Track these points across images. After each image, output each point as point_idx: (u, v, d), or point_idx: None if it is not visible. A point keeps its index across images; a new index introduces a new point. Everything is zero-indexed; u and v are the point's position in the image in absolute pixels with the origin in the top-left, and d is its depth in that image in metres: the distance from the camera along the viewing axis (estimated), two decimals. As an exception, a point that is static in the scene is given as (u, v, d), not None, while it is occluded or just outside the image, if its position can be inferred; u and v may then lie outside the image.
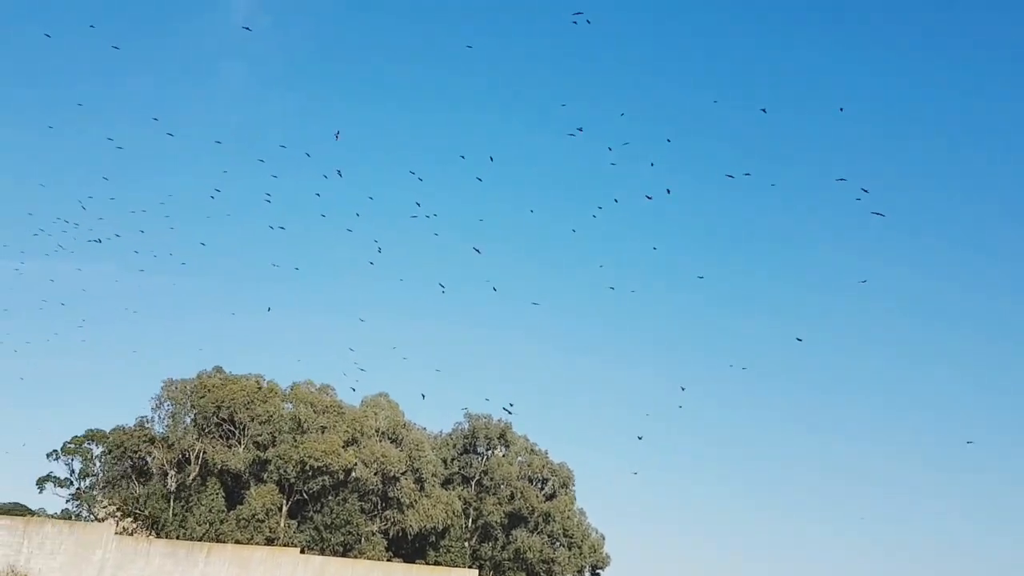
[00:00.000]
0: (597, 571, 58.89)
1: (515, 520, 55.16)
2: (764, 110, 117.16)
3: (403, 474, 49.72)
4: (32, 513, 51.53)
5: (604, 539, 57.80)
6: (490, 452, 56.99)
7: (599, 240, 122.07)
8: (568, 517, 56.06)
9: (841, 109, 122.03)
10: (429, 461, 51.92)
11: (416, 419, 55.45)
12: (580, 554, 55.75)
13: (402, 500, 49.70)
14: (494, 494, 54.96)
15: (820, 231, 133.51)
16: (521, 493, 54.84)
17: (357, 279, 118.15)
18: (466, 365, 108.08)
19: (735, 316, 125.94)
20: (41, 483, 52.92)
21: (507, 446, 57.15)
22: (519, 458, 57.01)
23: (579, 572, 57.21)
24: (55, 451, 53.10)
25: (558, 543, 55.69)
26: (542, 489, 56.72)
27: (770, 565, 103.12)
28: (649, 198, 59.90)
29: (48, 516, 49.99)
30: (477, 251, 56.57)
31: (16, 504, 53.93)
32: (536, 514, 54.62)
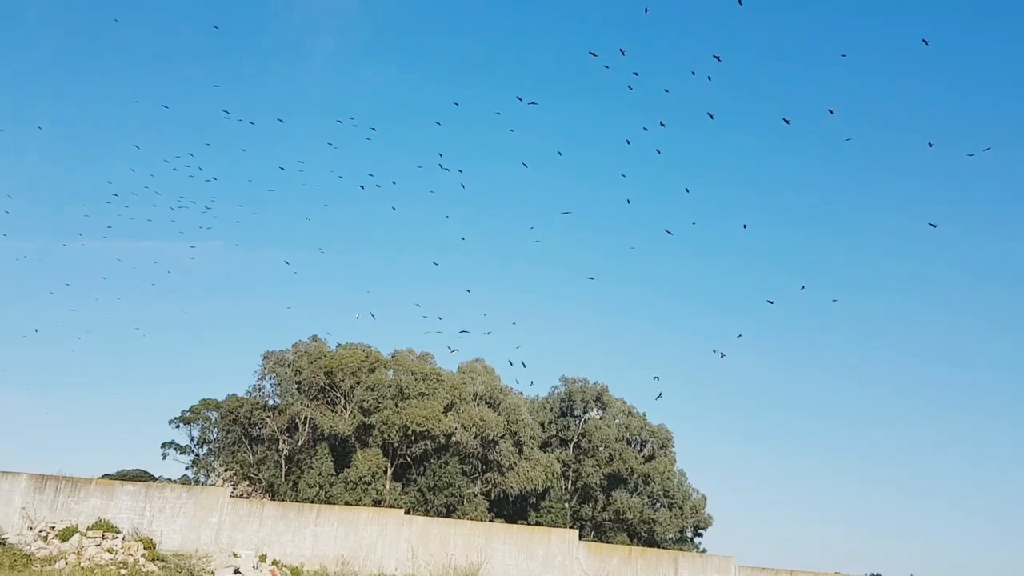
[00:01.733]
0: (699, 531, 58.31)
1: (614, 481, 55.20)
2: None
3: (501, 437, 50.39)
4: (154, 479, 54.81)
5: (706, 500, 57.12)
6: (587, 415, 57.10)
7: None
8: (668, 478, 55.58)
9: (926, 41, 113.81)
10: (527, 424, 52.44)
11: (512, 384, 56.00)
12: (681, 515, 55.27)
13: (502, 463, 50.47)
14: (592, 456, 55.10)
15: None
16: (620, 455, 54.75)
17: (456, 254, 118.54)
18: (560, 331, 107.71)
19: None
20: (164, 449, 56.38)
21: (604, 409, 57.06)
22: (616, 420, 56.81)
23: (681, 532, 56.76)
24: (175, 419, 56.41)
25: (659, 504, 55.38)
26: (641, 451, 56.48)
27: (875, 532, 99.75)
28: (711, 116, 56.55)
29: (168, 482, 53.07)
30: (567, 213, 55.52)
31: (139, 471, 57.49)
32: (635, 475, 54.49)
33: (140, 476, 54.81)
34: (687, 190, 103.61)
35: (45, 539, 26.61)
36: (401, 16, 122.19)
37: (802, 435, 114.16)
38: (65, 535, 26.54)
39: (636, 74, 48.74)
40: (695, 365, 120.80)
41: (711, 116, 56.57)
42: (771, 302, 42.39)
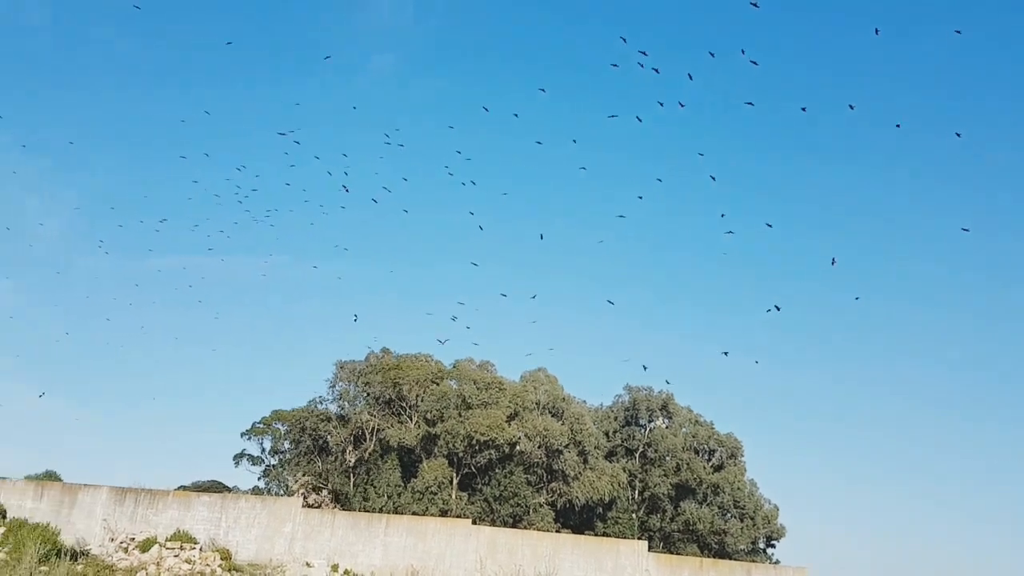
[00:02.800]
0: (772, 542, 57.03)
1: (683, 492, 54.40)
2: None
3: (566, 447, 50.13)
4: (228, 489, 56.07)
5: (778, 510, 55.86)
6: (652, 424, 56.45)
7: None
8: (738, 488, 54.53)
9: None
10: (591, 434, 52.08)
11: (575, 392, 55.72)
12: (753, 525, 54.15)
13: (567, 472, 50.19)
14: (659, 466, 54.43)
15: None
16: (687, 464, 53.97)
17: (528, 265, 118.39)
18: (623, 339, 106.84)
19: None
20: (237, 460, 57.72)
21: (670, 417, 56.35)
22: (683, 429, 56.03)
23: (753, 543, 55.60)
24: (247, 431, 57.72)
25: (729, 514, 54.37)
26: (709, 460, 55.55)
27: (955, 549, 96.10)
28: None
29: (242, 492, 54.24)
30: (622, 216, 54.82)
31: (214, 482, 58.90)
32: (704, 485, 53.60)
33: (215, 487, 56.15)
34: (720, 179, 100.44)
35: (126, 550, 27.42)
36: (455, 31, 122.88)
37: (881, 444, 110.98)
38: (145, 546, 27.31)
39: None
40: (763, 374, 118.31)
41: (750, 103, 54.79)
42: (777, 308, 41.35)
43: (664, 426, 55.77)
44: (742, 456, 56.20)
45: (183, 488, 52.44)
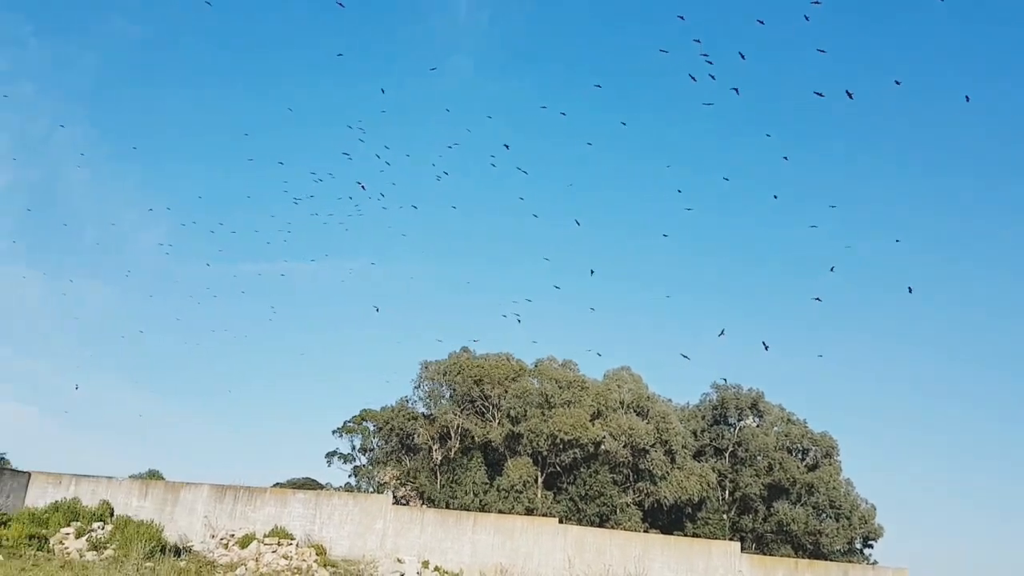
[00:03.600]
0: (869, 543, 55.05)
1: (775, 492, 53.05)
2: None
3: (652, 446, 49.50)
4: (321, 487, 57.51)
5: (875, 510, 53.89)
6: (742, 423, 55.21)
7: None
8: (834, 488, 52.80)
9: None
10: (678, 433, 51.26)
11: (660, 391, 54.95)
12: (849, 525, 52.37)
13: (654, 472, 49.57)
14: (750, 465, 53.20)
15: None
16: (780, 464, 52.60)
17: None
18: (709, 337, 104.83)
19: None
20: (329, 458, 59.21)
21: (760, 416, 55.00)
22: (775, 428, 54.59)
23: (849, 544, 53.80)
24: (338, 429, 59.17)
25: (824, 515, 52.73)
26: (803, 459, 53.96)
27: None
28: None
29: (335, 489, 55.54)
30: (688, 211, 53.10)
31: (308, 479, 60.54)
32: (798, 485, 52.11)
33: (309, 484, 57.70)
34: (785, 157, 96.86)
35: (226, 546, 28.35)
36: (530, 32, 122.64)
37: (985, 441, 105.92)
38: (244, 542, 28.18)
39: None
40: (860, 367, 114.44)
41: (819, 94, 52.44)
42: (818, 299, 39.49)
43: (755, 425, 54.46)
44: (837, 455, 54.41)
45: (279, 485, 54.08)
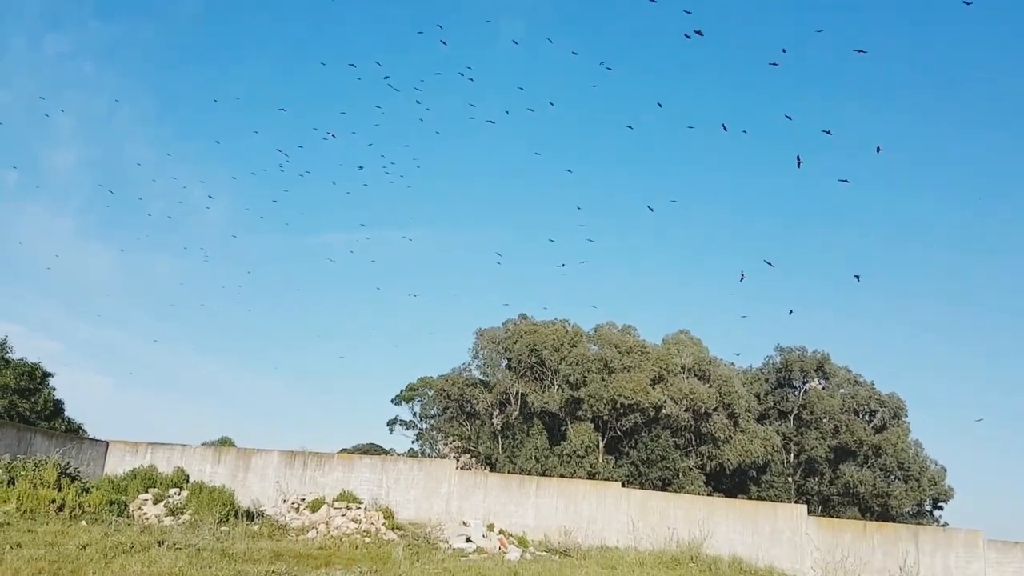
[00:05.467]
0: (939, 504, 53.95)
1: (841, 454, 52.19)
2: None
3: (714, 410, 49.07)
4: (386, 452, 58.58)
5: (945, 471, 52.68)
6: (807, 385, 54.27)
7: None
8: (902, 449, 51.73)
9: None
10: (740, 396, 50.68)
11: (722, 355, 54.28)
12: (918, 487, 51.32)
13: (716, 436, 49.18)
14: (816, 428, 52.36)
15: None
16: (846, 426, 51.69)
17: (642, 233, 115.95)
18: (770, 300, 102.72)
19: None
20: (391, 425, 60.21)
21: (826, 378, 53.98)
22: (841, 390, 53.56)
23: (918, 506, 52.79)
24: (397, 396, 60.06)
25: (892, 476, 51.76)
26: (870, 421, 52.90)
27: None
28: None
29: (399, 455, 56.51)
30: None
31: (373, 445, 61.72)
32: (865, 447, 51.15)
33: (374, 450, 58.88)
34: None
35: (297, 510, 29.01)
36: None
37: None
38: (314, 506, 28.78)
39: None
40: (924, 326, 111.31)
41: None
42: (857, 277, 38.29)
43: (820, 387, 53.50)
44: (905, 416, 53.24)
45: (345, 451, 55.19)
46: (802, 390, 54.34)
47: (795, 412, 53.49)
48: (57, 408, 32.94)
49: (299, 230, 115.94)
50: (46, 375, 32.38)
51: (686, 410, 48.30)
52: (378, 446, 61.48)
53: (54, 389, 32.92)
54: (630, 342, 50.93)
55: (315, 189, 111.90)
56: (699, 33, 27.85)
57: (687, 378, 49.66)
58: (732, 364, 54.75)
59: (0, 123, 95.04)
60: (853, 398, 53.02)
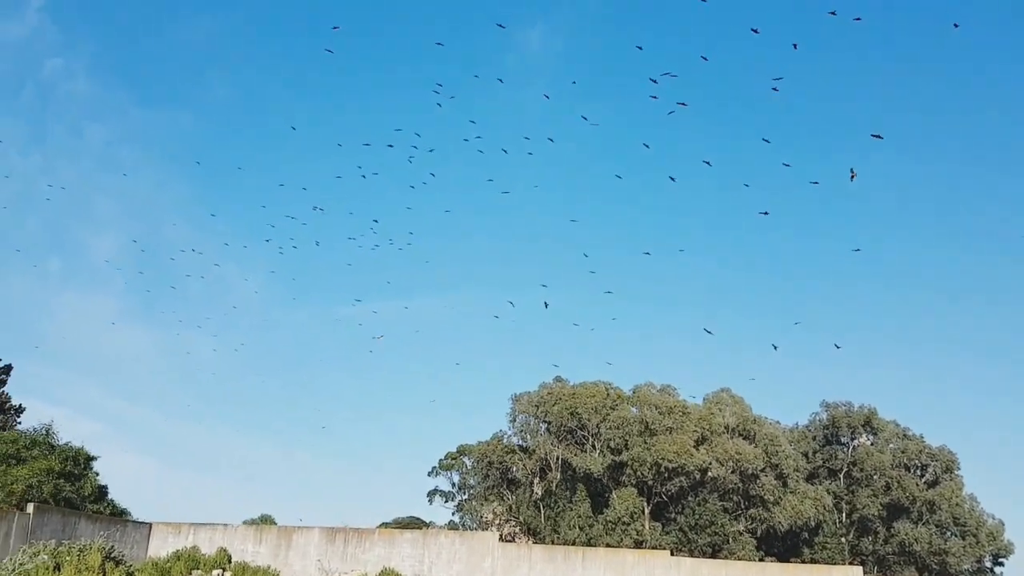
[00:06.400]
0: (1000, 560, 51.81)
1: (894, 511, 50.50)
2: None
3: (762, 471, 47.88)
4: (426, 525, 57.72)
5: (1003, 525, 50.71)
6: (855, 441, 52.86)
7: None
8: (957, 504, 50.01)
9: None
10: (788, 455, 49.47)
11: (764, 413, 53.19)
12: (976, 543, 49.41)
13: (765, 497, 47.89)
14: (867, 485, 50.81)
15: None
16: (897, 482, 50.15)
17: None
18: (811, 352, 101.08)
19: None
20: (430, 496, 59.39)
21: (874, 433, 52.60)
22: (890, 445, 52.10)
23: (978, 563, 50.72)
24: (435, 467, 59.37)
25: (948, 533, 49.92)
26: (922, 476, 51.25)
27: None
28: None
29: (440, 528, 55.63)
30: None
31: (413, 518, 60.87)
32: (918, 503, 49.49)
33: (414, 523, 58.03)
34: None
35: (340, 588, 28.61)
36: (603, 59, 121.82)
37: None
38: (357, 584, 28.38)
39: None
40: (969, 377, 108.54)
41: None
42: (857, 250, 37.48)
43: (868, 443, 52.12)
44: (958, 469, 51.57)
45: (385, 525, 54.56)
46: (851, 446, 52.97)
47: (845, 470, 52.05)
48: (102, 492, 33.00)
49: (330, 301, 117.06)
50: (90, 459, 32.53)
51: (733, 472, 47.16)
52: (418, 519, 60.62)
53: (97, 473, 33.07)
54: (671, 402, 50.14)
55: (336, 263, 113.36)
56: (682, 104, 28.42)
57: (732, 438, 48.62)
58: (777, 422, 53.66)
59: (48, 199, 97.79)
60: (903, 453, 51.56)
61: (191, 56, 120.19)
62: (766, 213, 57.43)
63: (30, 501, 27.93)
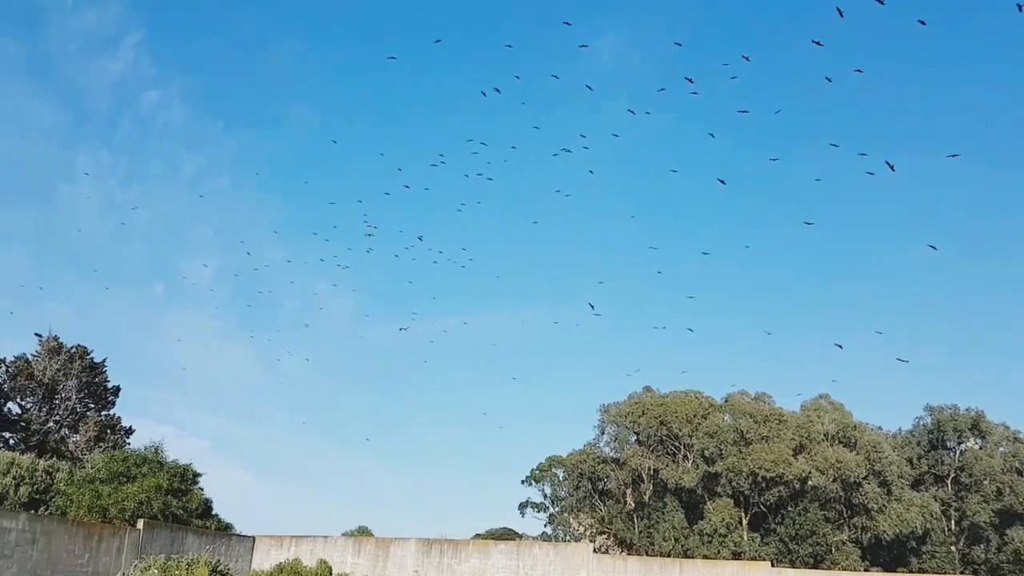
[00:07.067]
0: None
1: (1007, 518, 47.91)
2: None
3: (864, 478, 46.16)
4: (519, 536, 57.72)
5: None
6: (963, 446, 50.41)
7: None
8: (1075, 509, 47.11)
9: None
10: (891, 462, 47.54)
11: (865, 419, 51.30)
12: (1102, 549, 46.37)
13: (869, 506, 46.16)
14: (976, 491, 48.38)
15: None
16: (1010, 487, 47.63)
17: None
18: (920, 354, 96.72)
19: None
20: (522, 508, 59.43)
21: (983, 437, 50.06)
22: (1000, 449, 49.51)
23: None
24: (527, 478, 59.38)
25: (1069, 540, 47.03)
26: (1036, 480, 48.54)
27: None
28: None
29: (533, 539, 55.55)
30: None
31: (505, 529, 60.99)
32: (1033, 510, 46.82)
33: (507, 535, 58.15)
34: None
35: (438, 599, 28.82)
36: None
37: None
38: (455, 595, 28.55)
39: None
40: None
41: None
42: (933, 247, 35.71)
43: (976, 447, 49.61)
44: (1076, 473, 48.51)
45: (478, 537, 54.81)
46: (957, 451, 50.56)
47: (952, 475, 49.71)
48: (207, 506, 34.20)
49: (421, 316, 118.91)
50: (196, 475, 33.77)
51: (834, 480, 45.61)
52: (511, 530, 60.69)
53: (202, 489, 34.27)
54: (766, 411, 48.88)
55: (431, 285, 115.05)
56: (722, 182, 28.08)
57: (831, 446, 47.08)
58: (879, 428, 51.70)
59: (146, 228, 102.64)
60: (1014, 456, 48.90)
61: (276, 83, 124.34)
62: (810, 223, 54.55)
63: (140, 517, 29.11)
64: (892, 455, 47.82)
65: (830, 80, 32.73)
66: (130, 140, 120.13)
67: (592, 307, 44.33)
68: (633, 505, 52.07)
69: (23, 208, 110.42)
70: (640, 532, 49.85)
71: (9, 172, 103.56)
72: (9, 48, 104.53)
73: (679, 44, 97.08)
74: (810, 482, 45.34)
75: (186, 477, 33.12)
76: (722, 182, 49.15)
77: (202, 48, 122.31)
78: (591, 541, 51.68)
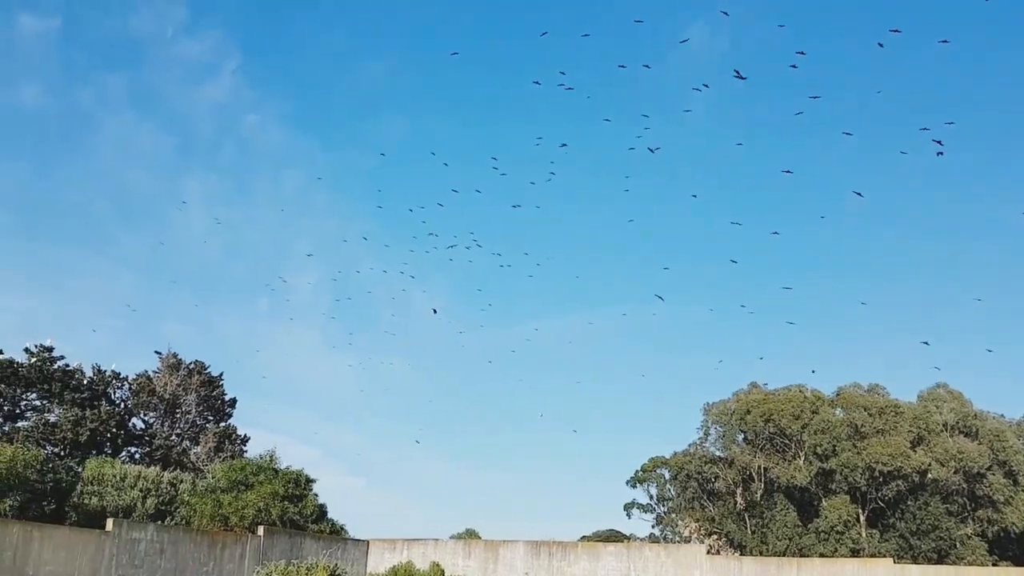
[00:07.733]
0: None
1: None
2: None
3: (988, 469, 43.86)
4: (626, 538, 57.20)
5: None
6: (1099, 432, 47.29)
7: None
8: None
9: None
10: (1017, 451, 45.07)
11: (987, 407, 48.71)
12: None
13: (994, 497, 43.83)
14: (1116, 482, 45.27)
15: None
16: None
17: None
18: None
19: None
20: (627, 509, 58.85)
21: (1124, 422, 46.84)
22: None
23: None
24: (631, 479, 58.77)
25: None
26: None
27: None
28: None
29: (642, 541, 54.97)
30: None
31: (612, 531, 60.53)
32: None
33: (614, 536, 57.74)
34: None
35: (551, 600, 28.87)
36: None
37: None
38: (567, 596, 28.55)
39: None
40: None
41: None
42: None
43: (1116, 433, 46.43)
44: None
45: (586, 538, 54.65)
46: (1094, 438, 47.36)
47: (1088, 465, 46.55)
48: (322, 511, 35.26)
49: (507, 321, 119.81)
50: (310, 481, 34.84)
51: (955, 472, 43.49)
52: (618, 532, 60.21)
53: (316, 495, 35.33)
54: (880, 403, 46.98)
55: (517, 286, 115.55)
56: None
57: (951, 437, 44.92)
58: (1002, 416, 48.94)
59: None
60: None
61: (366, 97, 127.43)
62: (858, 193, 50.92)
63: (260, 524, 30.24)
64: (1017, 444, 45.38)
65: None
66: (233, 162, 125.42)
67: (661, 298, 43.50)
68: (744, 505, 50.87)
69: (137, 234, 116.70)
70: (752, 532, 48.65)
71: (122, 200, 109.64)
72: (116, 82, 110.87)
73: (783, 25, 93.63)
74: (930, 475, 43.38)
75: (300, 483, 34.20)
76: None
77: (295, 69, 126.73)
78: (700, 542, 50.78)
